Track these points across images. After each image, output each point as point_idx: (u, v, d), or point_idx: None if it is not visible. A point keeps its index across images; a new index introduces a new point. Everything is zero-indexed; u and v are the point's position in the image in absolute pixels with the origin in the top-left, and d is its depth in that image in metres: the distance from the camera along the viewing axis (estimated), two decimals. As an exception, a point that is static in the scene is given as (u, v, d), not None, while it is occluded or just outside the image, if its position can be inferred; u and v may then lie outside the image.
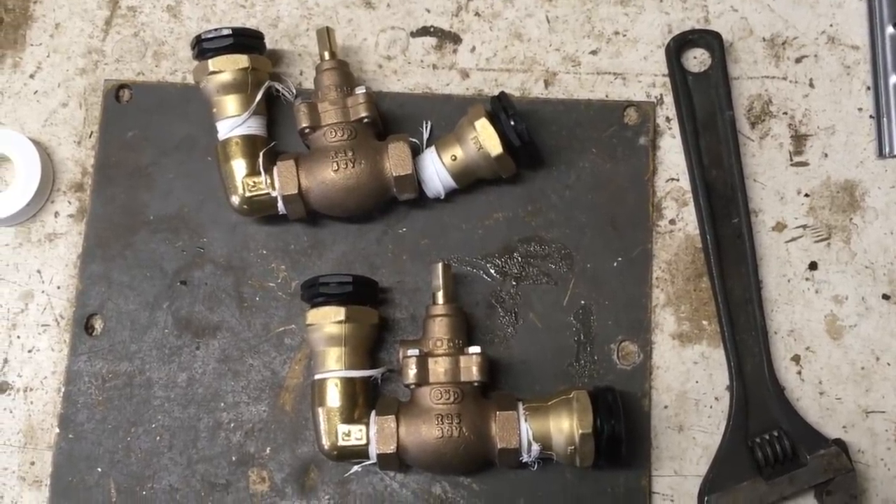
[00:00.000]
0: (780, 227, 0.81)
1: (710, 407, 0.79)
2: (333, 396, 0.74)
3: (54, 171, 0.84)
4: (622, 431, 0.72)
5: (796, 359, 0.79)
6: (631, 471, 0.77)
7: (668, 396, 0.79)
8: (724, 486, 0.76)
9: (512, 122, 0.76)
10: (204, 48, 0.79)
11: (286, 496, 0.78)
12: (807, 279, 0.80)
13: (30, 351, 0.81)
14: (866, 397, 0.79)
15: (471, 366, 0.74)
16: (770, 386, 0.77)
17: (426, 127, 0.82)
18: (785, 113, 0.83)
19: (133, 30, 0.86)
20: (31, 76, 0.85)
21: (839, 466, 0.75)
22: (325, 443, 0.74)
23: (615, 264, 0.81)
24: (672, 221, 0.82)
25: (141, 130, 0.84)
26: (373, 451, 0.74)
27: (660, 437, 0.78)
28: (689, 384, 0.79)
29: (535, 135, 0.78)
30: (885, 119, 0.82)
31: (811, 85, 0.84)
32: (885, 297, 0.80)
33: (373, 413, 0.74)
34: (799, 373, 0.79)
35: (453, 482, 0.77)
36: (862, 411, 0.78)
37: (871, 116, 0.83)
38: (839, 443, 0.76)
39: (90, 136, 0.84)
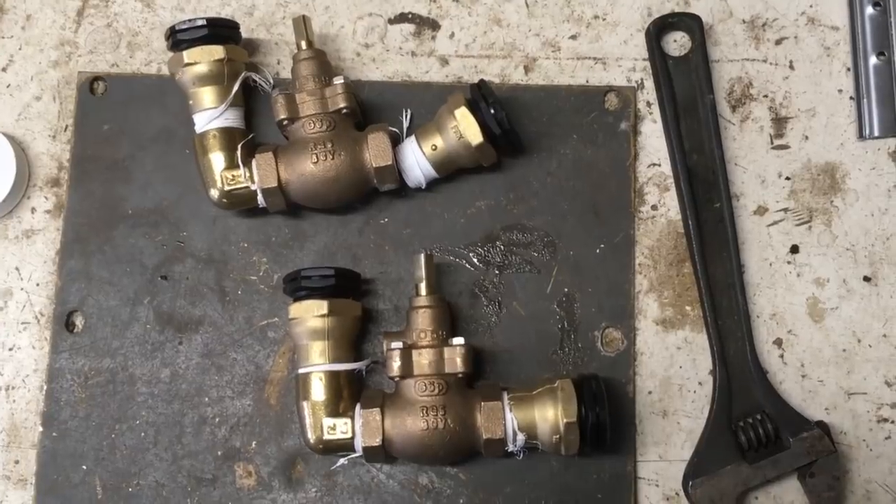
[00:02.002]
0: (761, 210, 0.81)
1: (694, 392, 0.79)
2: (318, 390, 0.74)
3: (30, 167, 0.83)
4: (607, 419, 0.72)
5: (778, 342, 0.80)
6: (616, 457, 0.78)
7: (652, 382, 0.79)
8: (709, 470, 0.76)
9: (492, 111, 0.75)
10: (178, 39, 0.78)
11: (273, 489, 0.78)
12: (788, 262, 0.81)
13: (10, 349, 0.80)
14: (848, 379, 0.79)
15: (455, 357, 0.74)
16: (753, 370, 0.78)
17: (406, 115, 0.82)
18: (765, 96, 0.83)
19: (106, 20, 0.85)
20: (4, 69, 0.84)
21: (822, 449, 0.76)
22: (311, 437, 0.74)
23: (598, 251, 0.80)
24: (654, 207, 0.81)
25: (117, 123, 0.82)
26: (358, 444, 0.74)
27: (644, 423, 0.79)
28: (672, 369, 0.79)
29: (515, 122, 0.78)
30: (865, 100, 0.82)
31: (791, 67, 0.83)
32: (867, 279, 0.80)
33: (358, 406, 0.74)
34: (781, 356, 0.80)
35: (440, 472, 0.78)
36: (844, 393, 0.79)
37: (851, 98, 0.83)
38: (822, 425, 0.77)
39: (65, 130, 0.83)
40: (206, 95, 0.78)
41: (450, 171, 0.79)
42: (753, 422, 0.77)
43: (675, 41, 0.83)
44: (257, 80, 0.81)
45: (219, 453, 0.78)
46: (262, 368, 0.79)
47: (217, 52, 0.77)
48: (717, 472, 0.76)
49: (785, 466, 0.76)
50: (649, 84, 0.83)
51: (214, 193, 0.77)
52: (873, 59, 0.82)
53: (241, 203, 0.78)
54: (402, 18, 0.84)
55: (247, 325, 0.80)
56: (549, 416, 0.73)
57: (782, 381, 0.79)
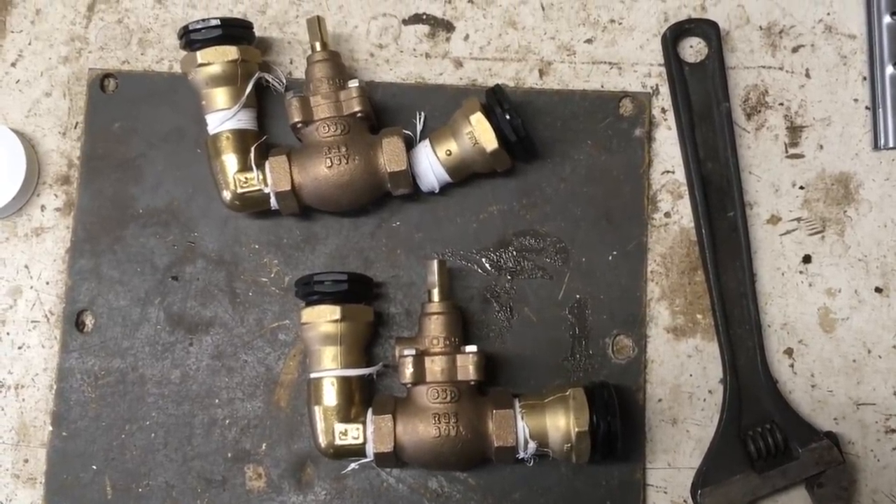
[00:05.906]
0: (774, 220, 0.81)
1: (704, 400, 0.79)
2: (330, 395, 0.74)
3: (39, 164, 0.82)
4: (618, 429, 0.72)
5: (789, 352, 0.80)
6: (625, 464, 0.78)
7: (662, 390, 0.79)
8: (717, 479, 0.76)
9: (507, 117, 0.75)
10: (192, 39, 0.77)
11: (283, 492, 0.78)
12: (800, 272, 0.81)
13: (20, 348, 0.80)
14: (857, 389, 0.79)
15: (467, 365, 0.74)
16: (763, 379, 0.78)
17: (420, 118, 0.81)
18: (781, 104, 0.82)
19: (117, 16, 0.84)
20: (13, 65, 0.83)
21: (830, 459, 0.76)
22: (322, 442, 0.74)
23: (610, 258, 0.80)
24: (667, 214, 0.81)
25: (128, 121, 0.82)
26: (370, 449, 0.74)
27: (654, 430, 0.79)
28: (683, 377, 0.79)
29: (530, 128, 0.77)
30: (880, 110, 0.82)
31: (807, 75, 0.83)
32: (878, 289, 0.80)
33: (370, 412, 0.74)
34: (791, 366, 0.80)
35: (449, 477, 0.78)
36: (853, 403, 0.79)
37: (866, 107, 0.83)
38: (830, 435, 0.77)
39: (75, 127, 0.82)
40: (220, 96, 0.77)
41: (464, 176, 0.79)
42: (763, 431, 0.77)
43: (691, 47, 0.83)
44: (270, 80, 0.80)
45: (229, 455, 0.78)
46: (273, 371, 0.79)
47: (231, 52, 0.77)
48: (726, 480, 0.76)
49: (793, 476, 0.77)
50: (664, 90, 0.82)
51: (227, 195, 0.77)
52: (890, 69, 0.82)
53: (253, 205, 0.78)
54: (416, 19, 0.84)
55: (257, 327, 0.80)
56: (561, 424, 0.73)
57: (792, 391, 0.79)
